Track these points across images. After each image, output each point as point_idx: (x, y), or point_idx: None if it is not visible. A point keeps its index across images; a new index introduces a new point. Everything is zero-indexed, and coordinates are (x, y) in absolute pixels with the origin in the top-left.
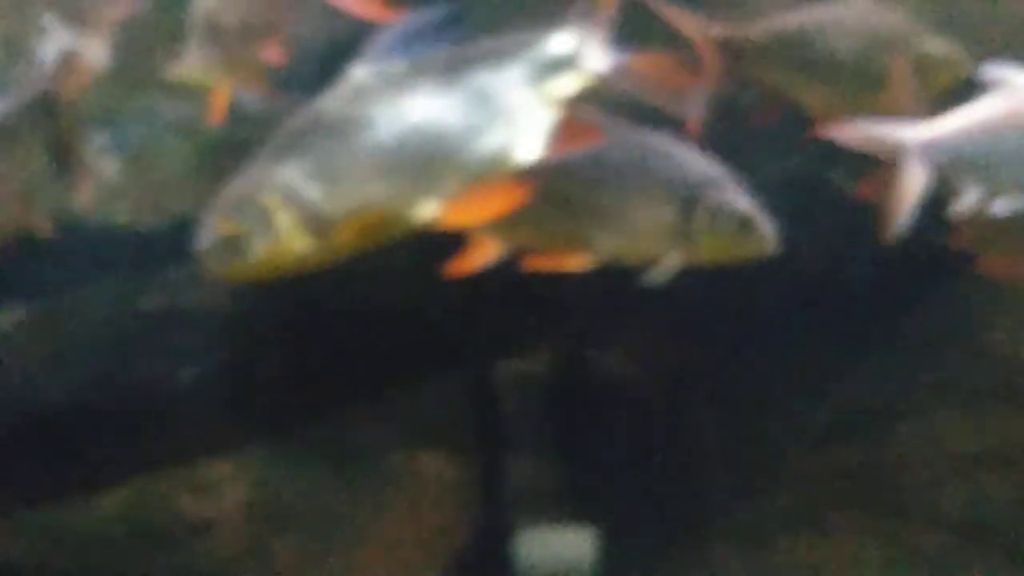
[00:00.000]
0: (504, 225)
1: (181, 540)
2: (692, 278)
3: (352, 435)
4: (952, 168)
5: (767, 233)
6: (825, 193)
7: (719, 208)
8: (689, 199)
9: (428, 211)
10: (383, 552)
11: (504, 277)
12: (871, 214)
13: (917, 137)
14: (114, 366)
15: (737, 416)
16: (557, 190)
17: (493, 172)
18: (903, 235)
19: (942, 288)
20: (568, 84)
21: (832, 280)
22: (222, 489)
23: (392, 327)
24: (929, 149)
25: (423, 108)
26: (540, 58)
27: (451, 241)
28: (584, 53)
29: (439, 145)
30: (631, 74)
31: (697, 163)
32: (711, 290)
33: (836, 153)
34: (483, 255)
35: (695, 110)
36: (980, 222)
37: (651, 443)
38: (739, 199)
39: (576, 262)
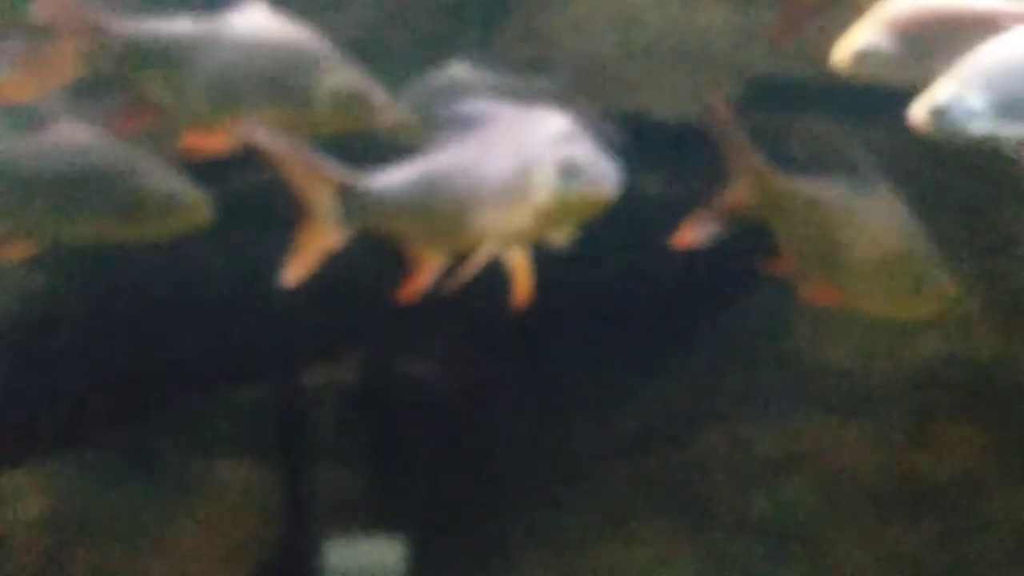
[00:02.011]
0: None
1: None
2: (500, 285)
3: (153, 443)
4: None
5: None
6: (633, 201)
7: None
8: None
9: None
10: (185, 562)
11: (311, 284)
12: (678, 222)
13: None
14: None
15: (545, 423)
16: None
17: None
18: (709, 246)
19: (746, 297)
20: None
21: (638, 288)
22: (17, 501)
23: (195, 333)
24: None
25: None
26: None
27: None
28: None
29: None
30: None
31: None
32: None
33: (648, 159)
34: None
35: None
36: (800, 253)
37: (458, 451)
38: None
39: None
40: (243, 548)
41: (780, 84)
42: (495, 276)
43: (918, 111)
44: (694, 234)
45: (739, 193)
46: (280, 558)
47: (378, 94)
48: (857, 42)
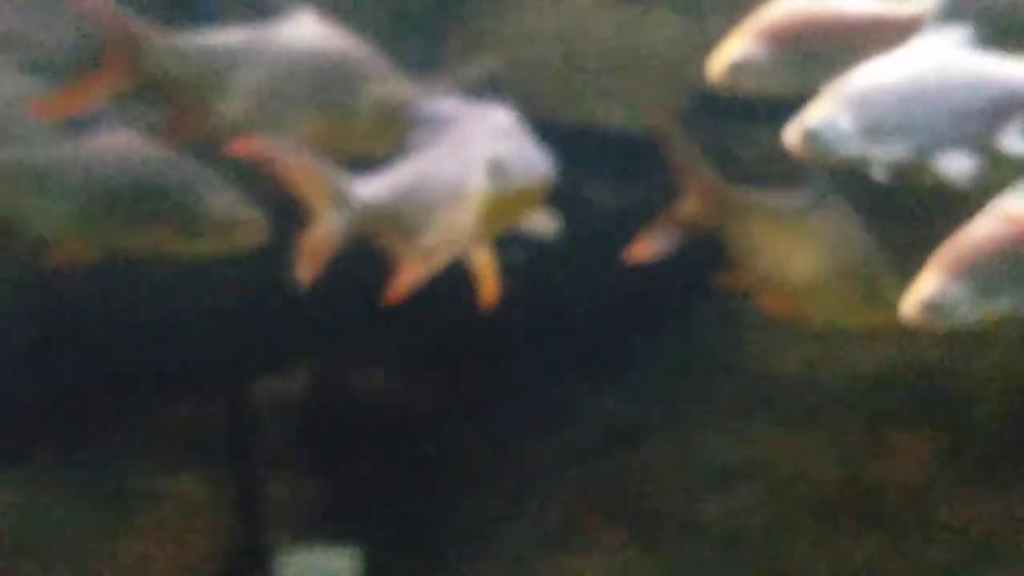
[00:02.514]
0: None
1: None
2: (452, 296)
3: (101, 457)
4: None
5: None
6: (584, 213)
7: None
8: None
9: None
10: None
11: (259, 297)
12: (628, 231)
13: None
14: None
15: (497, 434)
16: None
17: None
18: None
19: (696, 308)
20: None
21: (591, 299)
22: None
23: (144, 346)
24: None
25: None
26: None
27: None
28: None
29: None
30: None
31: None
32: (470, 309)
33: (596, 170)
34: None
35: None
36: (753, 265)
37: (412, 462)
38: None
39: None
40: (195, 560)
41: (730, 95)
42: (442, 282)
43: (792, 133)
44: (647, 248)
45: (690, 207)
46: (234, 570)
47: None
48: (731, 54)
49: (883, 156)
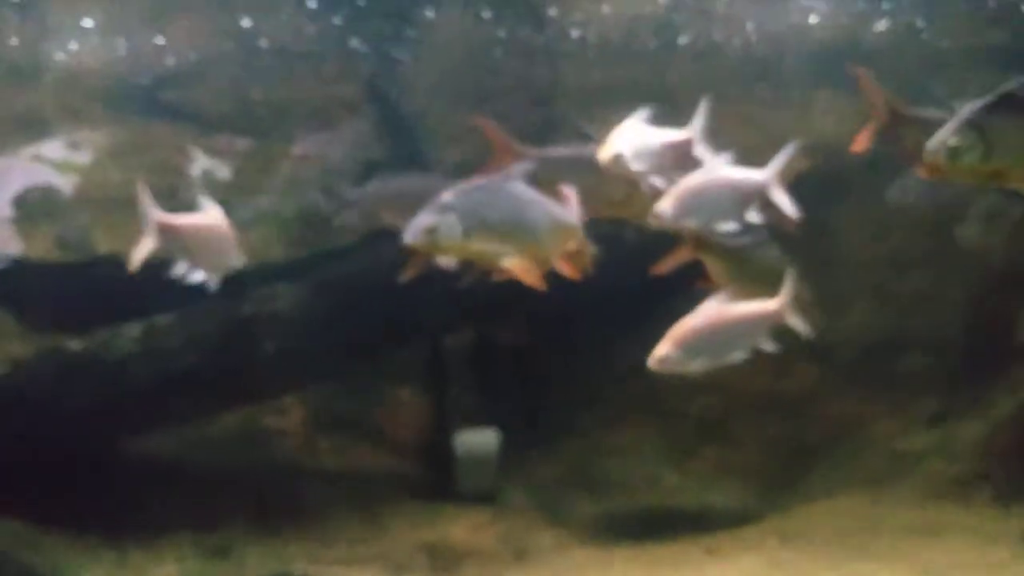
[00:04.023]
0: None
1: None
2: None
3: (365, 376)
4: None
5: None
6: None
7: None
8: None
9: None
10: (385, 447)
11: (449, 289)
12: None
13: None
14: None
15: (575, 366)
16: None
17: None
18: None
19: (680, 296)
20: None
21: (622, 287)
22: (288, 411)
23: (392, 317)
24: None
25: None
26: None
27: None
28: None
29: None
30: None
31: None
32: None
33: None
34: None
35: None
36: (720, 266)
37: (529, 380)
38: None
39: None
40: (412, 434)
41: None
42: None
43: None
44: (666, 267)
45: (686, 250)
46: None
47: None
48: (609, 149)
49: (692, 224)
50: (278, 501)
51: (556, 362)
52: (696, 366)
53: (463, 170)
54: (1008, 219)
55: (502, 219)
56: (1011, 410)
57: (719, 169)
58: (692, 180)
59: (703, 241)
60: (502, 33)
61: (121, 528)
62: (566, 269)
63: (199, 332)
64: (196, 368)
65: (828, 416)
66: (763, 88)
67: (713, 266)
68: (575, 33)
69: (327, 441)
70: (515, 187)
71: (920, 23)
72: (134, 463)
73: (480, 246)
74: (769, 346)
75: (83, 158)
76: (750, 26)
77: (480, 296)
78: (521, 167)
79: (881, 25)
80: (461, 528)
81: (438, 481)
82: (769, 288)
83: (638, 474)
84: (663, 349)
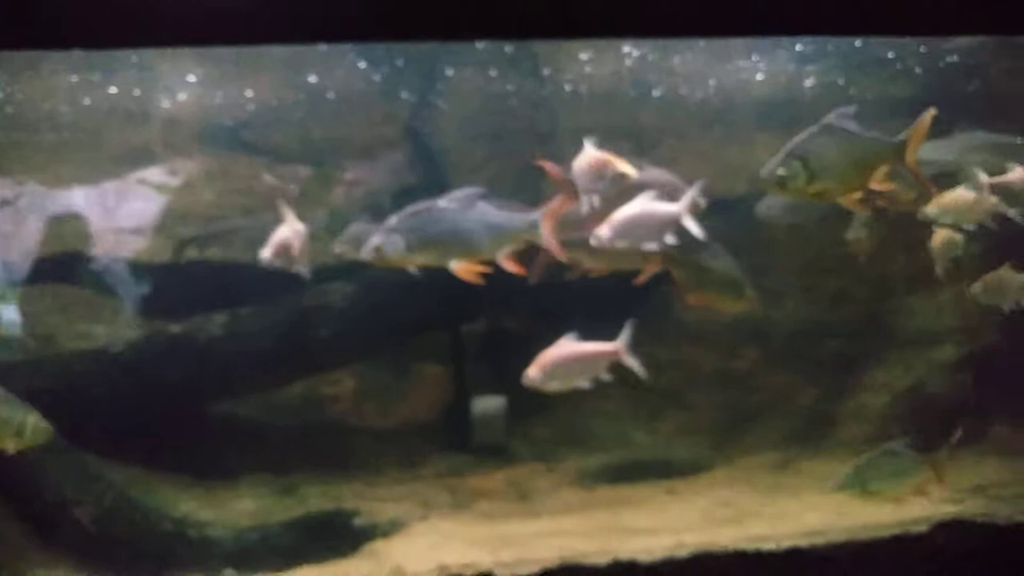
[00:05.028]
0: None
1: None
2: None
3: (400, 356)
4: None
5: None
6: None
7: None
8: None
9: None
10: (411, 411)
11: (465, 292)
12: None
13: None
14: None
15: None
16: None
17: None
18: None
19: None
20: None
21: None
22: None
23: (422, 306)
24: None
25: None
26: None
27: None
28: None
29: None
30: None
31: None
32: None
33: None
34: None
35: None
36: (684, 273)
37: (520, 359)
38: None
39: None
40: (437, 398)
41: None
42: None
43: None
44: (643, 277)
45: (657, 263)
46: (453, 405)
47: None
48: None
49: (624, 245)
50: (332, 452)
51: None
52: (552, 387)
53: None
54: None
55: (439, 234)
56: (909, 384)
57: (645, 202)
58: (625, 210)
59: (669, 255)
60: (510, 87)
61: (209, 472)
62: (509, 266)
63: (271, 320)
64: (268, 348)
65: (765, 387)
66: (717, 129)
67: (678, 275)
68: (568, 87)
69: (371, 405)
70: (454, 206)
71: (840, 80)
72: (219, 423)
73: (424, 258)
74: (607, 377)
75: (177, 182)
76: (710, 81)
77: (490, 293)
78: (471, 191)
79: (810, 81)
80: (476, 474)
81: (458, 437)
82: (723, 291)
83: (615, 432)
84: (531, 370)
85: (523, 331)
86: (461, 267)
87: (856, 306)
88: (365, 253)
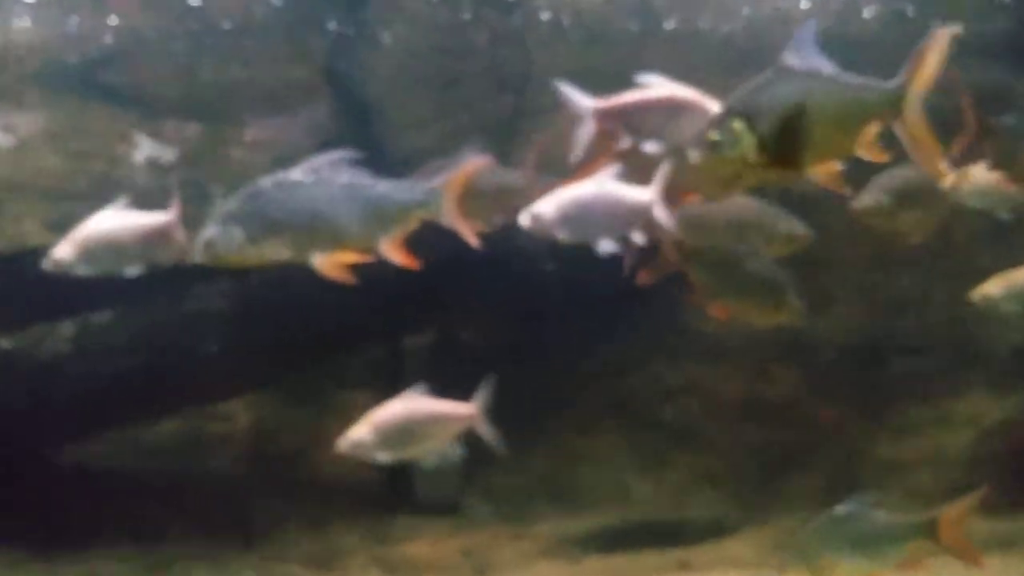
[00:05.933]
0: None
1: None
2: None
3: (316, 380)
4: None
5: None
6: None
7: None
8: None
9: None
10: None
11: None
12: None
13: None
14: None
15: (530, 359)
16: None
17: None
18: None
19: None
20: None
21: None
22: (231, 418)
23: (354, 320)
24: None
25: None
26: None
27: None
28: None
29: None
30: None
31: None
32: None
33: None
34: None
35: None
36: (706, 287)
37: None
38: None
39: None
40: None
41: None
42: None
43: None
44: (649, 277)
45: (671, 259)
46: None
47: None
48: None
49: (565, 238)
50: (220, 515)
51: (523, 364)
52: (382, 458)
53: (419, 158)
54: None
55: (292, 217)
56: (1000, 418)
57: (605, 184)
58: (574, 192)
59: (688, 248)
60: (466, 15)
61: (51, 541)
62: (395, 255)
63: (135, 331)
64: (132, 369)
65: (807, 422)
66: (748, 76)
67: (699, 277)
68: (545, 16)
69: (274, 448)
70: (311, 179)
71: (910, 11)
72: (66, 472)
73: (273, 251)
74: (457, 450)
75: (9, 142)
76: (741, 12)
77: (441, 294)
78: (336, 155)
79: (870, 11)
80: (421, 542)
81: (397, 491)
82: (761, 303)
83: (608, 483)
84: (358, 431)
85: (483, 344)
86: (326, 261)
87: (929, 313)
88: (197, 254)
